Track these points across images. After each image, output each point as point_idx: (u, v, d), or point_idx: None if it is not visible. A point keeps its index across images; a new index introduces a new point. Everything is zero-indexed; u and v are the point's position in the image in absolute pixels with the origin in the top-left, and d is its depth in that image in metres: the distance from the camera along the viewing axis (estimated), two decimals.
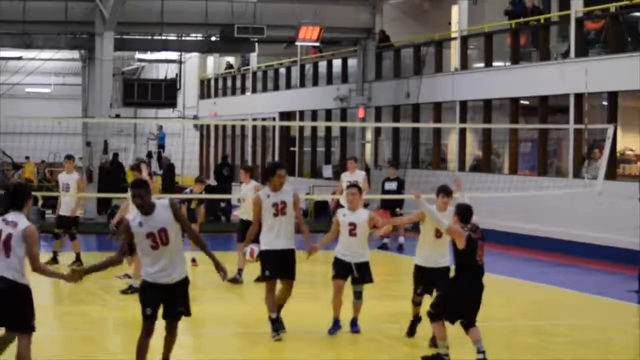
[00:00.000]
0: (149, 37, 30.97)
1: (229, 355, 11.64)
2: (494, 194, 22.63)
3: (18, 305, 9.07)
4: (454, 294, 10.59)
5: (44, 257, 19.48)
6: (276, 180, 12.04)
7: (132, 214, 10.20)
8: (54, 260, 19.12)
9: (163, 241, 9.28)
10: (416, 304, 12.12)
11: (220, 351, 11.79)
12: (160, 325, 9.57)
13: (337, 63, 34.56)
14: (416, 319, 12.17)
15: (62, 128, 31.58)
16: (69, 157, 19.36)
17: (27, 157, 40.89)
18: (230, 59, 43.75)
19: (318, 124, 35.38)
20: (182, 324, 13.78)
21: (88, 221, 27.98)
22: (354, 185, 12.93)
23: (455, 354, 10.91)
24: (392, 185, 23.13)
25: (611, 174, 20.80)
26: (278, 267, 12.00)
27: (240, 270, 16.82)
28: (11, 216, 9.12)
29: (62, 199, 19.27)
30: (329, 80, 34.47)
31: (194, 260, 18.95)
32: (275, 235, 11.99)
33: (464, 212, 10.49)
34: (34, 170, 41.32)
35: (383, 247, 22.81)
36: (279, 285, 12.13)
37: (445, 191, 11.61)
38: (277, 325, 11.99)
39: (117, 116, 31.92)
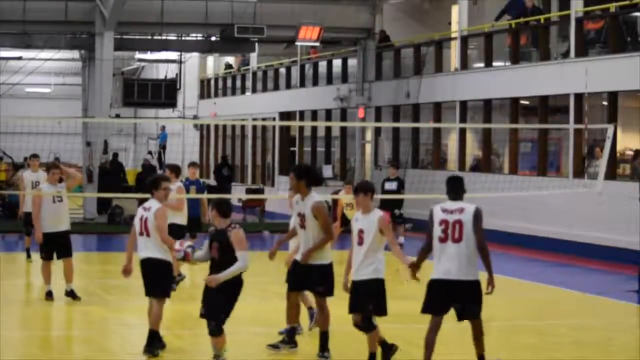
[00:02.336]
0: (149, 37, 30.99)
1: (226, 354, 11.63)
2: (494, 194, 22.62)
3: (159, 277, 11.15)
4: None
5: (20, 256, 19.54)
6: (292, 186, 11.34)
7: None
8: (29, 257, 19.05)
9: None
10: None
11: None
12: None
13: (337, 63, 34.56)
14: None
15: (62, 128, 31.60)
16: (35, 156, 19.25)
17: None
18: (230, 59, 43.76)
19: (318, 124, 35.37)
20: (178, 324, 13.78)
21: (88, 221, 28.01)
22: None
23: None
24: (392, 185, 23.13)
25: (611, 174, 20.79)
26: (299, 280, 11.30)
27: (179, 274, 16.09)
28: (148, 203, 11.25)
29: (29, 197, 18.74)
30: (329, 80, 34.46)
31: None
32: (298, 245, 11.48)
33: (223, 207, 10.31)
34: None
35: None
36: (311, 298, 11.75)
37: (362, 188, 10.66)
38: (290, 335, 11.56)
39: (117, 116, 31.94)
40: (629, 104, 22.99)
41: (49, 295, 14.80)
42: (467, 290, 10.07)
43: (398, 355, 11.49)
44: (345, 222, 20.91)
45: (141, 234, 11.18)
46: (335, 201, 22.70)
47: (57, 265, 15.13)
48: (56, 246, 14.85)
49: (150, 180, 11.60)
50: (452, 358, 11.41)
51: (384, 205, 23.38)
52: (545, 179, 23.63)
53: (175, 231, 16.24)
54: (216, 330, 10.34)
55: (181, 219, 16.26)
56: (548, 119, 24.45)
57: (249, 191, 32.55)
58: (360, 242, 10.48)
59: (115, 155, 31.49)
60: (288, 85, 37.61)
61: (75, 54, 37.20)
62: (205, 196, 17.99)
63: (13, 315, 13.96)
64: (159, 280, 11.24)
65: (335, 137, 34.56)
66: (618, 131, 20.76)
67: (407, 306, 14.87)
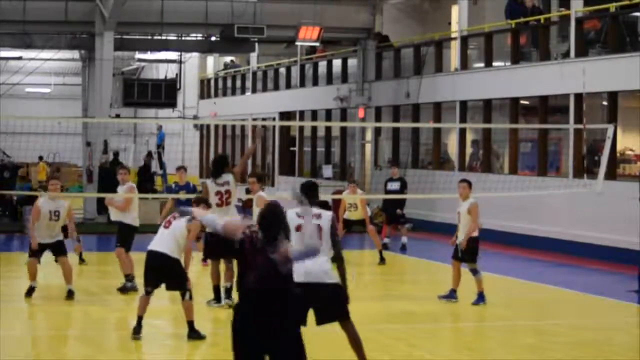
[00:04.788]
0: (149, 37, 30.97)
1: (227, 355, 11.63)
2: (494, 194, 22.62)
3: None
4: None
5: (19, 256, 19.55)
6: None
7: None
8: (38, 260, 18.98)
9: None
10: None
11: (218, 351, 11.79)
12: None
13: (337, 63, 34.55)
14: None
15: (62, 128, 31.61)
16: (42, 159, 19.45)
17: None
18: (229, 60, 43.80)
19: (318, 124, 35.36)
20: (182, 323, 13.78)
21: (88, 221, 28.00)
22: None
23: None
24: (395, 186, 23.11)
25: (611, 174, 20.79)
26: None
27: (128, 276, 15.75)
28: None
29: None
30: (329, 80, 34.46)
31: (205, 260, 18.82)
32: None
33: None
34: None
35: (383, 247, 22.79)
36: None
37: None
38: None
39: (117, 116, 31.91)
40: (629, 104, 22.98)
41: (32, 291, 14.95)
42: None
43: (397, 354, 11.50)
44: (347, 225, 20.80)
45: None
46: (335, 201, 22.66)
47: (51, 266, 15.12)
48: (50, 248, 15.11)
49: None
50: (452, 357, 11.41)
51: (387, 205, 23.41)
52: (545, 179, 23.62)
53: (125, 231, 15.98)
54: None
55: (132, 219, 15.99)
56: (548, 119, 24.44)
57: (249, 191, 32.55)
58: None
59: (116, 154, 31.46)
60: (288, 85, 37.62)
61: (75, 54, 37.22)
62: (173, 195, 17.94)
63: (13, 315, 13.96)
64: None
65: (335, 137, 34.55)
66: (618, 131, 20.75)
67: (407, 306, 14.89)
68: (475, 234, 15.04)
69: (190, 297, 11.96)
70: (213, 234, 14.00)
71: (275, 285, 7.20)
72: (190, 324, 11.98)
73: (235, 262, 13.66)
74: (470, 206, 15.00)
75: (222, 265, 14.50)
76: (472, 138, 27.89)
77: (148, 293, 11.98)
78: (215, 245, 14.27)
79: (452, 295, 15.12)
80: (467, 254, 14.97)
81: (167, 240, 11.85)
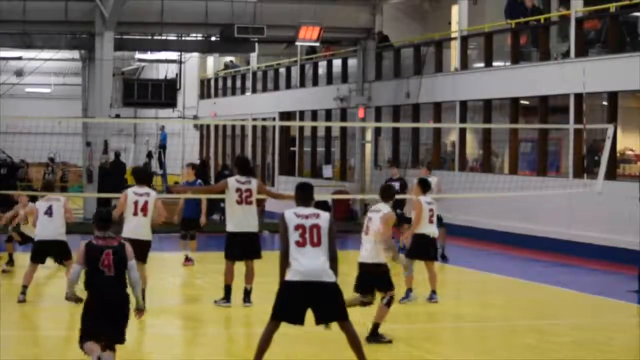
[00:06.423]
0: (149, 37, 30.98)
1: (229, 355, 11.64)
2: (494, 194, 22.62)
3: None
4: None
5: (20, 256, 19.44)
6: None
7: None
8: (10, 262, 18.73)
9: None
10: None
11: (220, 351, 11.79)
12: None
13: (337, 63, 34.56)
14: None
15: (62, 128, 31.55)
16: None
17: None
18: (229, 60, 43.81)
19: (318, 124, 35.37)
20: (182, 322, 13.79)
21: (88, 221, 28.00)
22: None
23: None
24: (395, 186, 23.10)
25: (611, 174, 20.79)
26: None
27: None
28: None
29: None
30: (329, 80, 34.46)
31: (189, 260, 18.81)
32: None
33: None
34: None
35: None
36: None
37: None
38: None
39: (117, 116, 31.86)
40: (629, 104, 22.99)
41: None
42: None
43: (397, 354, 11.51)
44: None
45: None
46: (335, 201, 22.60)
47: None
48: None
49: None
50: (452, 357, 11.40)
51: None
52: (545, 179, 23.63)
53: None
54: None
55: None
56: (548, 119, 24.45)
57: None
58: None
59: (117, 154, 31.45)
60: (288, 85, 37.62)
61: (75, 54, 37.21)
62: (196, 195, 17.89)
63: (13, 315, 13.95)
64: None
65: (335, 137, 34.56)
66: (618, 131, 20.75)
67: (407, 306, 14.89)
68: (423, 230, 14.99)
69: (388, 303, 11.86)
70: (235, 233, 14.05)
71: None
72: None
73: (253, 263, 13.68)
74: (412, 204, 15.28)
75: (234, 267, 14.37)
76: (451, 140, 27.90)
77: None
78: (237, 246, 14.16)
79: (432, 296, 15.14)
80: (412, 250, 15.06)
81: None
